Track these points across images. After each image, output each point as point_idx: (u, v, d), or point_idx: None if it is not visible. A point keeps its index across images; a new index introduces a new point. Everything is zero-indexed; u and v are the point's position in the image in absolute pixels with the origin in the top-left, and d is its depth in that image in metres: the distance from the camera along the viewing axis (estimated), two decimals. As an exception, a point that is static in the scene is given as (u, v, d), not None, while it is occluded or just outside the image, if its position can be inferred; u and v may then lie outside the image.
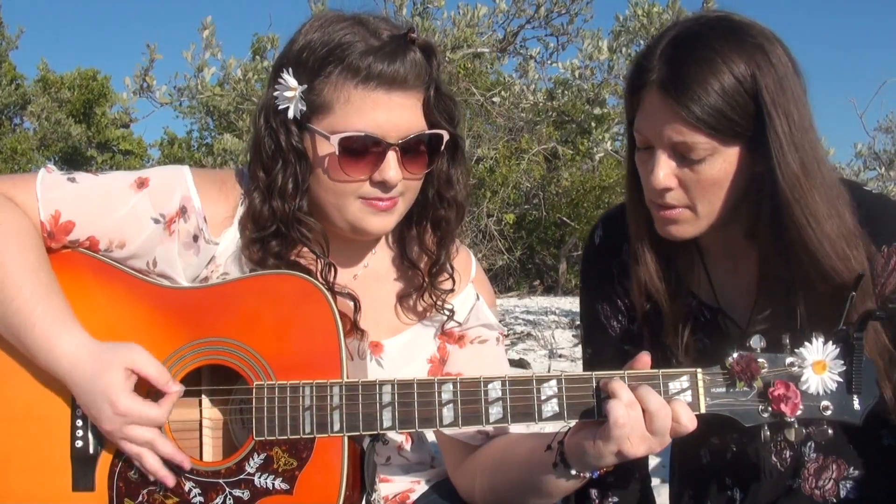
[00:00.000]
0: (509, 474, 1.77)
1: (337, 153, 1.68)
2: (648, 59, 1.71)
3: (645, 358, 1.58)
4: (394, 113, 1.69)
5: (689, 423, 1.51)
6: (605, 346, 2.00)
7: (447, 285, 1.90)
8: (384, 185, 1.71)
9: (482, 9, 8.19)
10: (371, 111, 1.68)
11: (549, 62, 8.82)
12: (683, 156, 1.68)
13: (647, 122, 1.70)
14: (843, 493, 1.84)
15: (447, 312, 1.91)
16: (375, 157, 1.69)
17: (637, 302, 1.89)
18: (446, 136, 1.78)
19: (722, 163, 1.68)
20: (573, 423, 1.60)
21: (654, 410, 1.49)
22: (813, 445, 1.84)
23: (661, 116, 1.67)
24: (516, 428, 1.83)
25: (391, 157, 1.69)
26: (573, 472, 1.61)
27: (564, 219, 17.10)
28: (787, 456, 1.86)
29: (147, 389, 1.63)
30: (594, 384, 1.57)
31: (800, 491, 1.86)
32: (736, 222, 1.78)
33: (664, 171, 1.69)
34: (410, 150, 1.72)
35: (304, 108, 1.71)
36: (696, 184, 1.69)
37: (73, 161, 19.01)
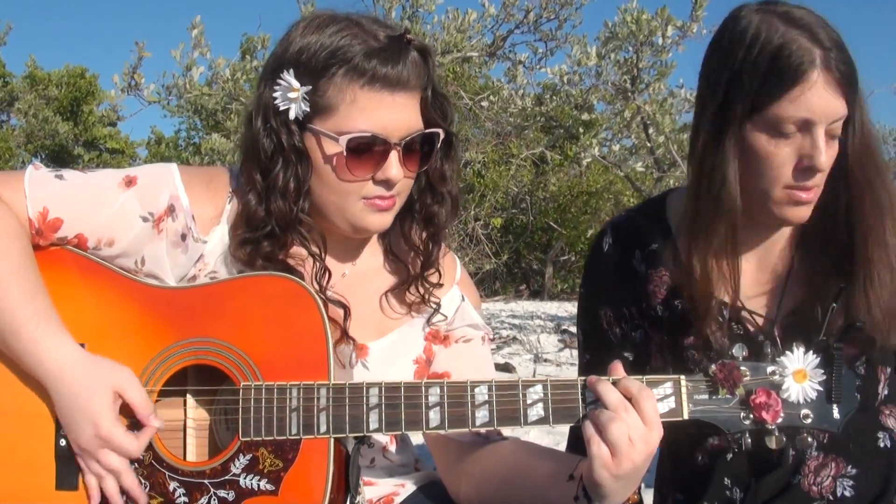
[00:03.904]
0: (523, 491, 1.75)
1: (345, 154, 1.70)
2: (808, 40, 1.70)
3: (617, 367, 1.60)
4: (396, 113, 1.72)
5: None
6: (604, 352, 2.00)
7: (434, 278, 1.91)
8: (387, 184, 1.74)
9: (472, 13, 8.21)
10: (376, 111, 1.70)
11: (537, 67, 8.86)
12: (831, 134, 1.73)
13: (815, 101, 1.70)
14: (839, 490, 1.89)
15: (434, 305, 1.92)
16: (378, 157, 1.72)
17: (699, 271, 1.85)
18: (442, 135, 1.81)
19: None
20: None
21: (636, 392, 1.52)
22: (815, 444, 1.88)
23: (832, 94, 1.70)
24: (505, 431, 1.83)
25: (393, 157, 1.72)
26: None
27: (551, 223, 17.12)
28: (790, 454, 1.90)
29: (128, 419, 1.63)
30: (580, 389, 1.58)
31: (799, 487, 1.90)
32: None
33: (829, 151, 1.72)
34: (410, 148, 1.75)
35: (308, 109, 1.72)
36: (830, 161, 1.75)
37: (59, 159, 18.87)
